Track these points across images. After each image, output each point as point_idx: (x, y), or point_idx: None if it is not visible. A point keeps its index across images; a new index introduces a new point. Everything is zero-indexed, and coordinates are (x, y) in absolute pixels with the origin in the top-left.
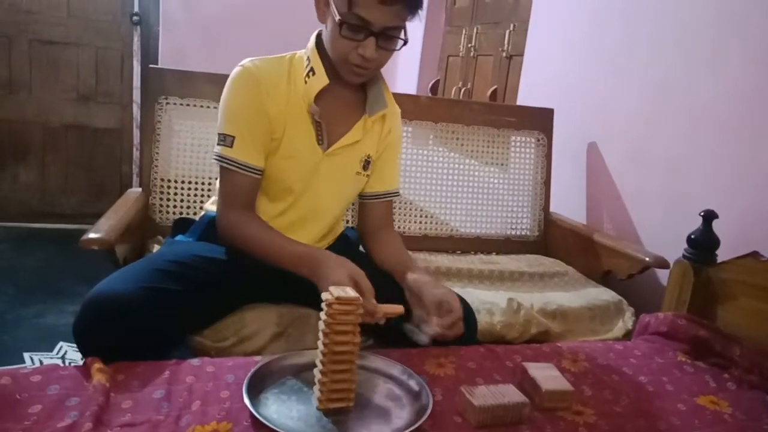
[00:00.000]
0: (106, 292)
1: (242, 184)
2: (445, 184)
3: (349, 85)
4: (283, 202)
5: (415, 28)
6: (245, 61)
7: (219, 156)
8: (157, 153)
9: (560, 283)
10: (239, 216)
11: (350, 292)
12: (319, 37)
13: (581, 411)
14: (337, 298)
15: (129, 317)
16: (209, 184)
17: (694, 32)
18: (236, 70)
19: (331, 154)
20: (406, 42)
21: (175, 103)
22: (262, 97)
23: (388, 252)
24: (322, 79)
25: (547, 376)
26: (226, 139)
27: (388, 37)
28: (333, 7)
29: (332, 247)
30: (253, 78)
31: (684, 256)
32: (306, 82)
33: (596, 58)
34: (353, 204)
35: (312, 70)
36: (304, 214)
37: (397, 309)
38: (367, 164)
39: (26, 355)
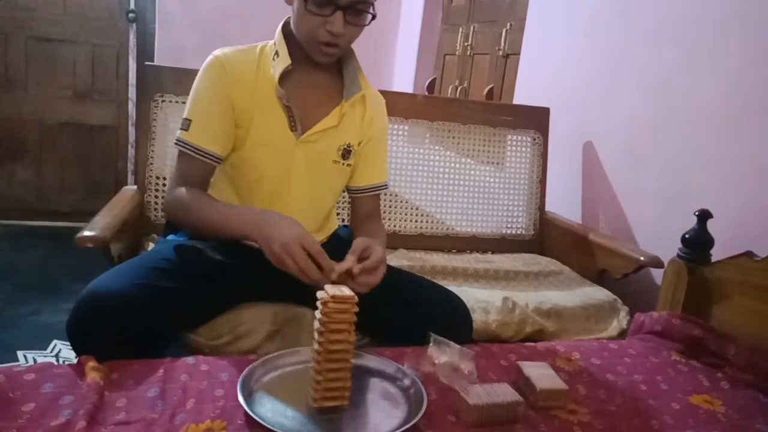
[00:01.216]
0: (100, 290)
1: (193, 168)
2: (441, 182)
3: (323, 71)
4: (259, 192)
5: (412, 26)
6: (216, 51)
7: (176, 140)
8: (153, 150)
9: (555, 282)
10: (182, 190)
11: (345, 291)
12: (286, 24)
13: (575, 410)
14: (333, 297)
15: (123, 315)
16: None
17: (692, 31)
18: (207, 59)
19: (306, 141)
20: (374, 16)
21: (170, 101)
22: (228, 84)
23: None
24: (284, 61)
25: (541, 375)
26: (184, 123)
27: (357, 12)
28: None
29: (324, 246)
30: (221, 65)
31: (678, 256)
32: (272, 66)
33: (593, 56)
34: (347, 201)
35: (277, 53)
36: (283, 208)
37: (347, 263)
38: (347, 153)
39: (20, 354)
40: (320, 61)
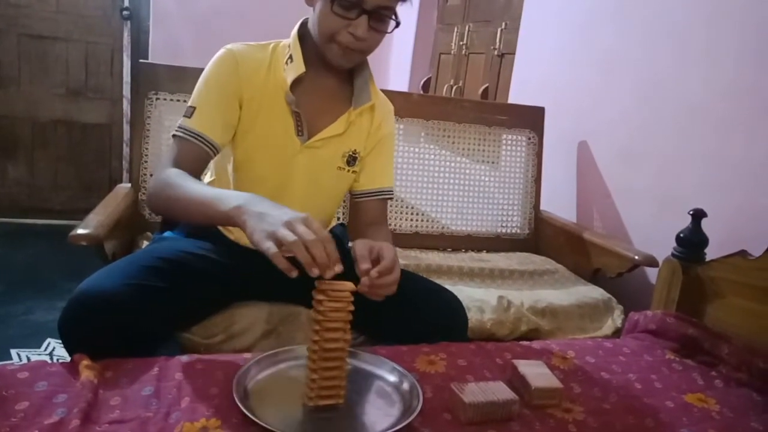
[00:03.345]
0: (92, 289)
1: (188, 152)
2: (436, 181)
3: (334, 76)
4: (259, 193)
5: (408, 25)
6: (229, 45)
7: (177, 127)
8: (147, 148)
9: (550, 281)
10: (171, 170)
11: (341, 284)
12: (303, 26)
13: (570, 408)
14: (328, 294)
15: (116, 314)
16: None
17: (686, 31)
18: (219, 51)
19: (311, 147)
20: (398, 24)
21: (165, 99)
22: (238, 78)
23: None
24: (298, 67)
25: (536, 373)
26: (187, 111)
27: (381, 17)
28: None
29: None
30: (233, 58)
31: (673, 255)
32: (284, 70)
33: (588, 56)
34: (345, 201)
35: (291, 57)
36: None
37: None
38: (352, 160)
39: (13, 352)
40: (337, 65)
